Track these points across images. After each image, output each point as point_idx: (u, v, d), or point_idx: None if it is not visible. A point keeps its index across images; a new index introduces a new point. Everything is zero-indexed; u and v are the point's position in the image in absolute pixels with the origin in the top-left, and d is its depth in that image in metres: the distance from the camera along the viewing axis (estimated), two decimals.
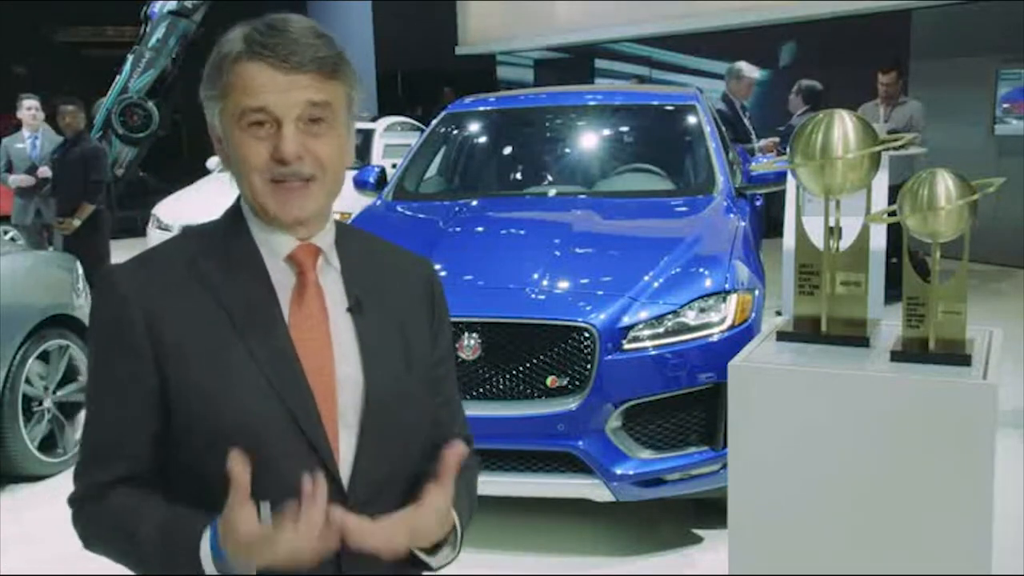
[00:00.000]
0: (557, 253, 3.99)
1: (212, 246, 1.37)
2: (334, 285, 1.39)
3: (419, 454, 1.43)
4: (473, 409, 3.53)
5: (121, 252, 7.60)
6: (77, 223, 7.37)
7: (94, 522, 1.35)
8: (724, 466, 3.35)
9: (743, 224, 4.40)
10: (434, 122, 5.68)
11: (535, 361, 3.56)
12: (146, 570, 1.32)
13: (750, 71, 8.03)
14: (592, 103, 5.65)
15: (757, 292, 3.89)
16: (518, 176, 5.49)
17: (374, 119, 11.22)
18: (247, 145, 1.31)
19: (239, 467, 1.16)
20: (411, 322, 1.46)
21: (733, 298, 3.71)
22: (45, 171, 8.11)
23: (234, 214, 1.40)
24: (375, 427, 1.35)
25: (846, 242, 2.45)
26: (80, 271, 5.34)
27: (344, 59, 1.34)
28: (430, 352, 1.48)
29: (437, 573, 1.39)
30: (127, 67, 12.26)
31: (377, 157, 9.91)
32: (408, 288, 1.48)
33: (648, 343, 3.58)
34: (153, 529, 1.28)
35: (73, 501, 1.38)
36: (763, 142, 7.79)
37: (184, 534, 1.25)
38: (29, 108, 8.26)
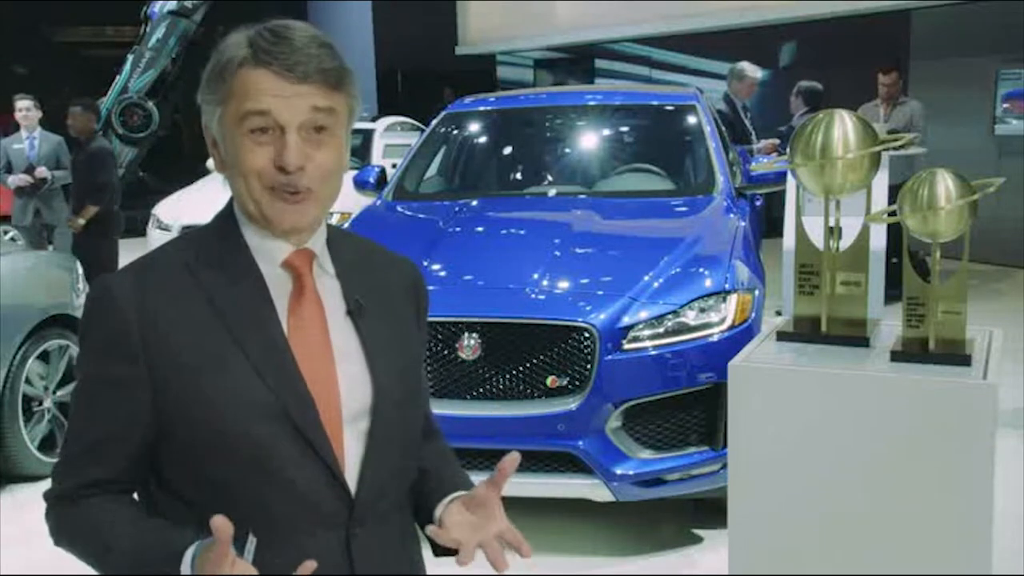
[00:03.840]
0: (557, 253, 3.99)
1: (207, 252, 1.35)
2: (330, 288, 1.39)
3: (418, 449, 1.46)
4: (473, 409, 3.57)
5: (122, 252, 7.62)
6: (81, 223, 7.41)
7: (68, 523, 1.35)
8: (724, 466, 3.35)
9: (743, 224, 4.40)
10: (434, 122, 5.67)
11: (535, 361, 3.56)
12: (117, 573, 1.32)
13: (753, 71, 8.02)
14: (592, 103, 5.65)
15: (757, 292, 3.89)
16: (518, 176, 5.49)
17: (374, 119, 11.22)
18: (247, 149, 1.29)
19: (221, 524, 1.14)
20: (404, 321, 1.47)
21: (733, 298, 3.71)
22: (43, 171, 8.11)
23: (227, 218, 1.38)
24: (384, 426, 1.36)
25: (846, 242, 2.45)
26: (80, 271, 5.34)
27: (347, 70, 1.33)
28: (421, 350, 1.52)
29: (442, 573, 1.41)
30: (127, 67, 12.27)
31: (377, 157, 9.91)
32: (398, 288, 1.49)
33: (648, 343, 3.57)
34: (131, 542, 1.29)
35: (49, 498, 1.38)
36: (762, 143, 7.78)
37: (164, 551, 1.25)
38: (21, 109, 8.25)
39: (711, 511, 3.82)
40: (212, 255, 1.35)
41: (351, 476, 1.33)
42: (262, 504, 1.26)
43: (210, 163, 11.06)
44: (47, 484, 1.38)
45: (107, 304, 1.31)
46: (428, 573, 1.51)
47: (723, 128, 5.63)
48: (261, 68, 1.28)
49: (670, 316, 3.63)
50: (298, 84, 1.28)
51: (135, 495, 1.37)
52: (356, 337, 1.38)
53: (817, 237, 2.45)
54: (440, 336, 3.59)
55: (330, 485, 1.31)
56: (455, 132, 5.69)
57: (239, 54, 1.29)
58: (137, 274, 1.35)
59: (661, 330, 3.60)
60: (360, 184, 5.40)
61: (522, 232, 4.68)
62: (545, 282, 3.77)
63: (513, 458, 1.32)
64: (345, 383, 1.34)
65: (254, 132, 1.29)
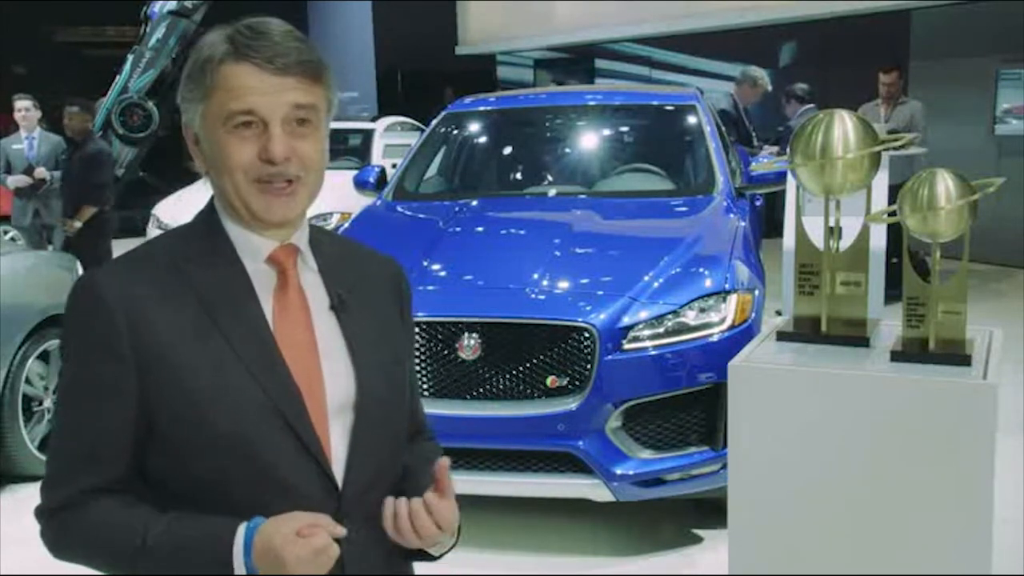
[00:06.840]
0: (557, 253, 3.99)
1: (192, 248, 1.36)
2: (314, 284, 1.40)
3: (404, 445, 1.47)
4: (473, 409, 3.56)
5: (121, 252, 7.61)
6: (78, 225, 7.38)
7: (80, 529, 1.31)
8: (724, 466, 3.34)
9: (743, 224, 4.40)
10: (434, 122, 5.67)
11: (535, 361, 3.56)
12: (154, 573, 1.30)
13: (765, 83, 8.04)
14: (592, 103, 5.65)
15: (757, 292, 3.89)
16: (518, 176, 5.49)
17: (374, 119, 11.21)
18: (232, 145, 1.31)
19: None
20: (388, 317, 1.48)
21: (733, 298, 3.71)
22: (42, 172, 8.10)
23: (209, 216, 1.39)
24: (369, 421, 1.37)
25: (846, 242, 2.45)
26: (80, 271, 5.34)
27: (325, 64, 1.35)
28: (406, 345, 1.52)
29: (441, 573, 1.40)
30: (127, 67, 12.26)
31: (377, 157, 9.90)
32: (381, 285, 1.50)
33: (648, 343, 3.57)
34: (167, 535, 1.27)
35: (45, 511, 1.34)
36: (767, 148, 7.79)
37: (209, 536, 1.25)
38: (20, 109, 8.24)
39: (711, 511, 3.82)
40: (198, 252, 1.36)
41: (337, 470, 1.34)
42: (253, 499, 1.27)
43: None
44: None
45: (93, 302, 1.31)
46: (414, 572, 1.52)
47: (723, 128, 5.63)
48: (242, 63, 1.30)
49: (670, 316, 3.63)
50: (280, 76, 1.30)
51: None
52: (339, 332, 1.39)
53: (817, 237, 2.45)
54: (440, 336, 3.59)
55: (318, 479, 1.32)
56: (455, 132, 5.69)
57: (219, 50, 1.31)
58: (123, 271, 1.35)
59: (661, 330, 3.60)
60: (360, 184, 5.40)
61: (522, 232, 4.68)
62: (545, 282, 3.77)
63: (443, 464, 1.35)
64: (329, 378, 1.35)
65: (238, 127, 1.30)
